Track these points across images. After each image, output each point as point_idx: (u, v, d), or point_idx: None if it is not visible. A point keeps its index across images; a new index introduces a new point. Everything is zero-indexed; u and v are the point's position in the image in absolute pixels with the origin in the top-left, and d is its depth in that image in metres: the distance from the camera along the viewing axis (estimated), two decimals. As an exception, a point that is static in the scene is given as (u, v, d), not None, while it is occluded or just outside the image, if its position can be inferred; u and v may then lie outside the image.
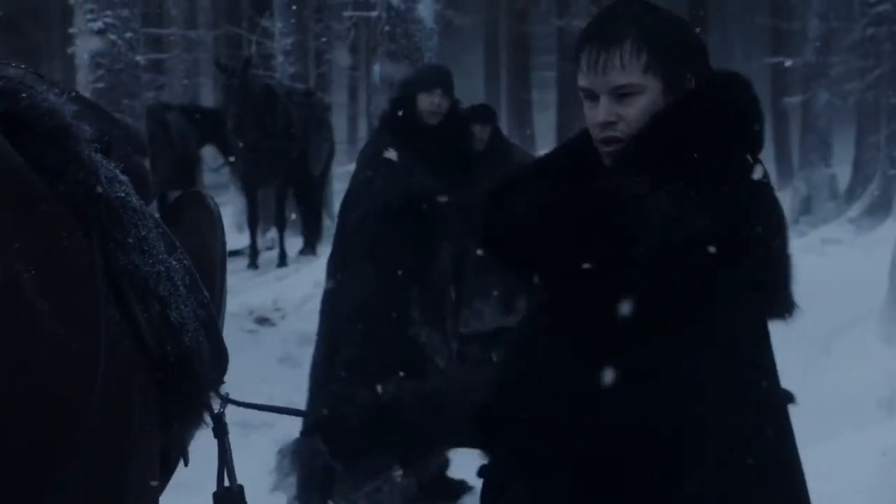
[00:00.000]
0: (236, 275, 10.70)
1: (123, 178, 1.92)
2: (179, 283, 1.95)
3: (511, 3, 21.81)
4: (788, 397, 2.06)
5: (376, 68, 9.18)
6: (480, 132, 6.63)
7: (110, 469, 1.71)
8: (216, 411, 2.07)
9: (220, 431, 2.07)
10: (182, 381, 1.90)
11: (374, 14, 9.45)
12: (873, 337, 7.33)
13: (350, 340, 4.83)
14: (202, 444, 2.25)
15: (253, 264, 11.75)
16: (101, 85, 7.79)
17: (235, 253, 11.90)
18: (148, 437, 1.82)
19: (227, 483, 2.04)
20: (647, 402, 1.86)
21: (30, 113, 1.75)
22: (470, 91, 25.74)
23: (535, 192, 1.99)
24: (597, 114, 1.97)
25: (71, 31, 8.45)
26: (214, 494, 2.03)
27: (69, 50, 9.08)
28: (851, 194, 16.81)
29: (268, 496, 4.77)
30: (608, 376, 1.84)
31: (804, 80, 17.43)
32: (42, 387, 1.60)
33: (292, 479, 4.82)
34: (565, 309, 1.92)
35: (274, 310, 9.18)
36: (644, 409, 1.85)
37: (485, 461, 2.02)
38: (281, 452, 4.82)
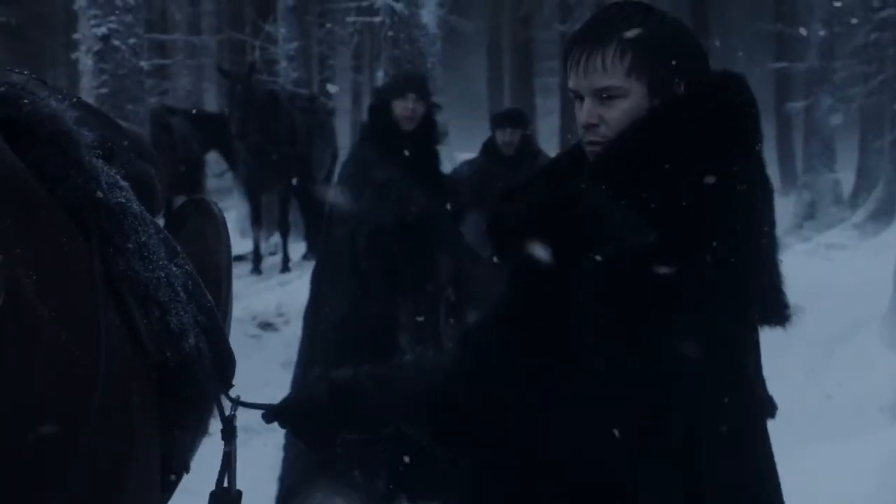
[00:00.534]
0: (239, 280, 10.71)
1: (124, 183, 1.92)
2: (180, 288, 1.95)
3: (514, 8, 21.85)
4: (769, 409, 2.03)
5: (380, 73, 9.19)
6: (511, 136, 6.64)
7: (110, 472, 1.72)
8: (227, 414, 2.08)
9: (230, 434, 2.07)
10: (182, 386, 1.90)
11: (377, 19, 9.47)
12: (877, 342, 7.33)
13: (326, 351, 4.82)
14: (205, 449, 2.25)
15: (256, 269, 11.75)
16: (104, 90, 7.80)
17: (239, 258, 11.91)
18: (147, 442, 1.83)
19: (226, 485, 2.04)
20: (580, 420, 1.83)
21: (31, 119, 1.76)
22: (473, 96, 25.77)
23: (527, 194, 1.99)
24: (581, 115, 1.97)
25: (75, 36, 8.46)
26: (212, 493, 2.03)
27: (73, 55, 9.09)
28: (855, 199, 16.82)
29: (268, 501, 4.78)
30: (544, 381, 1.83)
31: (807, 85, 17.43)
32: (43, 391, 1.61)
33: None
34: (520, 308, 1.90)
35: (277, 315, 9.18)
36: (578, 428, 1.83)
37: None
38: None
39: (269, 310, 9.28)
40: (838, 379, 6.66)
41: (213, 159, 13.35)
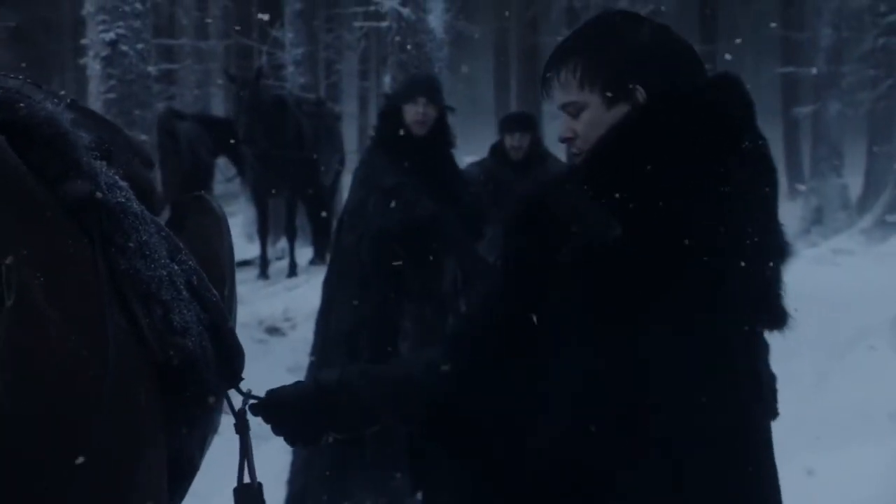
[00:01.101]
0: (246, 285, 10.72)
1: (123, 183, 1.93)
2: (182, 286, 1.95)
3: (521, 13, 21.84)
4: (772, 414, 2.05)
5: (387, 78, 9.20)
6: (520, 140, 6.62)
7: (117, 473, 1.72)
8: (238, 408, 2.09)
9: (243, 427, 2.08)
10: (187, 384, 1.90)
11: (384, 24, 9.47)
12: (886, 347, 7.31)
13: (336, 359, 4.81)
14: (212, 452, 2.25)
15: (263, 274, 11.75)
16: (112, 95, 7.81)
17: (246, 263, 11.91)
18: (154, 441, 1.83)
19: (247, 480, 2.05)
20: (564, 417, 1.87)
21: (28, 122, 1.77)
22: (480, 101, 25.76)
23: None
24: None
25: (83, 41, 8.48)
26: (235, 490, 2.03)
27: (81, 61, 9.11)
28: (863, 205, 16.79)
29: (277, 505, 4.78)
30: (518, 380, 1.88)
31: (815, 90, 17.41)
32: (52, 393, 1.61)
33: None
34: (501, 305, 1.94)
35: (284, 320, 9.18)
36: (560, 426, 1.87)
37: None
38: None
39: (276, 314, 9.28)
40: (846, 385, 6.65)
41: (222, 164, 13.36)
